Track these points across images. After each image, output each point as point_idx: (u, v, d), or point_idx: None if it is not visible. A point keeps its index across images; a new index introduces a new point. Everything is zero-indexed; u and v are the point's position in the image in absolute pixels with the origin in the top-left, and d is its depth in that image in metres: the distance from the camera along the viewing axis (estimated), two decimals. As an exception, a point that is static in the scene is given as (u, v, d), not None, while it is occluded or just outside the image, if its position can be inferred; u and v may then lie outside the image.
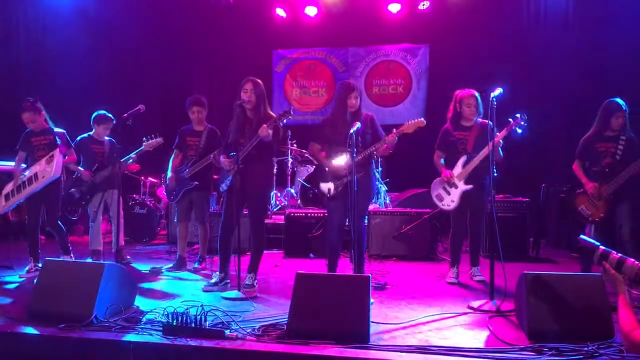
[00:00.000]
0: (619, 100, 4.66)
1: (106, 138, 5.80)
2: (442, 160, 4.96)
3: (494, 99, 3.97)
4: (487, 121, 4.53)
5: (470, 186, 4.72)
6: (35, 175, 5.16)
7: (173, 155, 5.60)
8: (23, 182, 5.19)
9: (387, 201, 7.43)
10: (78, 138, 5.73)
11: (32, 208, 5.33)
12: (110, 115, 5.76)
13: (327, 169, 4.51)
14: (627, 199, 4.58)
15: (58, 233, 5.37)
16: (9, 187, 5.33)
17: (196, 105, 5.43)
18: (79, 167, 5.63)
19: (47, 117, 5.35)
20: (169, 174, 5.52)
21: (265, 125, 4.24)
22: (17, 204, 5.37)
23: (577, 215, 4.71)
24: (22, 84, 8.40)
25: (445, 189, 4.85)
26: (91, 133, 5.76)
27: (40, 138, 5.28)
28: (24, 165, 5.30)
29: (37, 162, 5.21)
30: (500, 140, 4.55)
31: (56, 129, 5.36)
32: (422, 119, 4.35)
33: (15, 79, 8.45)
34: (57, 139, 5.25)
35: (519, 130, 4.51)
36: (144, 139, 5.52)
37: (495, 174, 4.08)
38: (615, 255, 2.66)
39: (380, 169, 7.29)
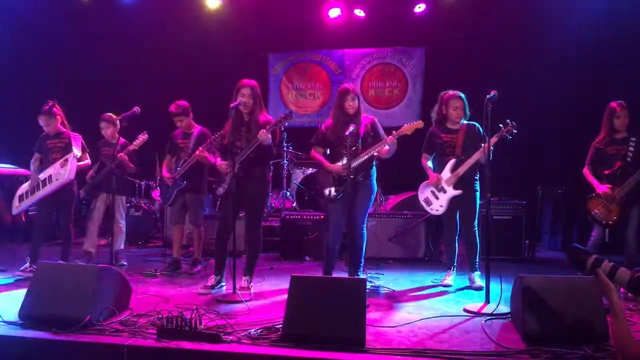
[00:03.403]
0: (618, 100, 4.66)
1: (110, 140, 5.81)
2: (429, 163, 4.82)
3: (489, 102, 3.98)
4: (473, 123, 4.61)
5: (459, 191, 4.58)
6: (50, 177, 5.20)
7: (166, 160, 5.60)
8: (37, 184, 5.23)
9: (383, 202, 7.43)
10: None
11: (42, 210, 5.37)
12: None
13: (328, 171, 4.52)
14: (637, 201, 4.55)
15: (66, 238, 5.39)
16: (24, 188, 5.40)
17: (176, 117, 5.43)
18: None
19: (64, 120, 5.41)
20: (162, 176, 5.51)
21: (264, 130, 4.23)
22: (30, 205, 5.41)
23: (591, 219, 4.69)
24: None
25: (433, 193, 4.71)
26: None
27: (55, 141, 5.34)
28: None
29: (51, 164, 5.25)
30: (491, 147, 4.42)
31: (72, 133, 5.39)
32: (421, 120, 4.41)
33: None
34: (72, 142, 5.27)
35: (509, 137, 4.42)
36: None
37: (489, 175, 4.07)
38: (608, 263, 2.65)
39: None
